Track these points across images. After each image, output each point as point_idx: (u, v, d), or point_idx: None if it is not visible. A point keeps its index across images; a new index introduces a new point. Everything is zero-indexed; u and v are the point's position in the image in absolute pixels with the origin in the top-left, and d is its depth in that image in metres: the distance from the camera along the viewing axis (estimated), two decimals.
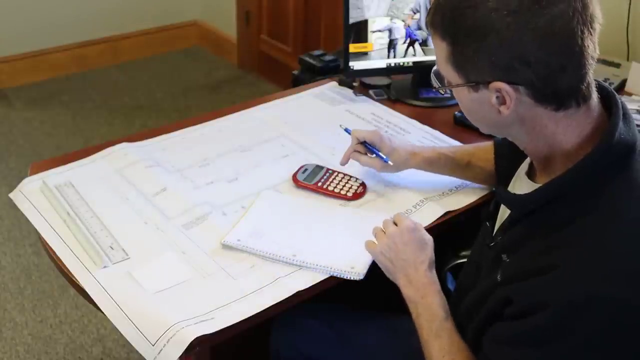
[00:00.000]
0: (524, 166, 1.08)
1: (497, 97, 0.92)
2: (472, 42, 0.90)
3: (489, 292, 0.98)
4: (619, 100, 0.96)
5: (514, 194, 1.03)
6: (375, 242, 1.20)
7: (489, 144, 1.36)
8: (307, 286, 1.18)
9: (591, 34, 0.89)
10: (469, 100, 0.97)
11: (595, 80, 0.94)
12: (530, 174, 1.05)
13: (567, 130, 0.93)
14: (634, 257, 0.86)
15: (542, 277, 0.88)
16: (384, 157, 1.39)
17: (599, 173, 0.91)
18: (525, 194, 0.98)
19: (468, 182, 1.43)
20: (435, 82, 1.05)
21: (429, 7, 1.74)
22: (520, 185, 1.06)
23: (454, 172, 1.41)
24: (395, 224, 1.20)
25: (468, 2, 0.89)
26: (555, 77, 0.89)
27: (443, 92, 1.05)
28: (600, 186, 0.90)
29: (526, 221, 0.98)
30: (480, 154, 1.38)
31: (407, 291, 1.13)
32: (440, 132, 1.67)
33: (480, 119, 1.01)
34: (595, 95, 0.94)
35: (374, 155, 1.40)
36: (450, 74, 0.97)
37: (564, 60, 0.88)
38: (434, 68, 1.04)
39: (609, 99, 0.96)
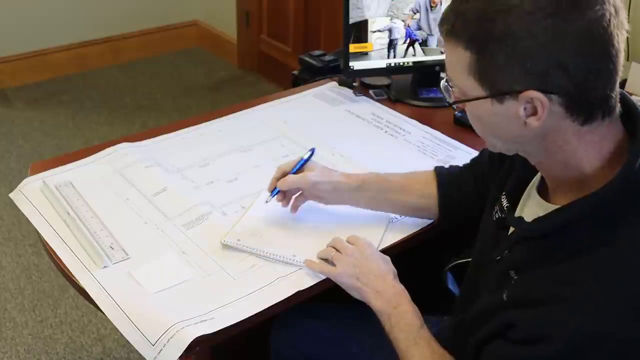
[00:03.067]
0: (536, 181, 1.03)
1: (525, 109, 0.87)
2: (504, 48, 0.84)
3: (494, 311, 0.95)
4: None
5: (525, 221, 0.98)
6: (331, 265, 1.19)
7: (429, 170, 1.34)
8: (307, 286, 1.18)
9: (621, 39, 0.86)
10: (490, 114, 0.91)
11: (620, 91, 0.90)
12: (541, 191, 1.01)
13: (587, 146, 0.89)
14: None
15: (548, 309, 0.86)
16: (311, 149, 1.33)
17: (615, 206, 0.86)
18: (537, 223, 0.94)
19: None
20: (448, 96, 0.98)
21: (429, 8, 1.76)
22: (533, 203, 1.02)
23: (389, 195, 1.31)
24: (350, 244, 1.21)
25: (498, 6, 0.84)
26: (592, 84, 0.85)
27: (456, 108, 0.99)
28: (618, 218, 0.86)
29: (536, 242, 0.94)
30: (418, 177, 1.34)
31: (378, 304, 1.12)
32: (440, 132, 1.67)
33: (499, 133, 0.94)
34: (618, 109, 0.90)
35: (298, 167, 1.30)
36: (469, 86, 0.90)
37: (601, 65, 0.85)
38: (443, 82, 0.98)
39: (632, 117, 0.91)
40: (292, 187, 1.28)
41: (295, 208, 1.31)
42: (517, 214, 1.03)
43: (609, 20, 0.84)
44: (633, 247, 0.85)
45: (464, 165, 1.34)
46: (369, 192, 1.30)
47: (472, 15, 0.86)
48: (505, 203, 1.06)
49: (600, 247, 0.86)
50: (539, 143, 0.91)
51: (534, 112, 0.87)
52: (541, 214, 0.94)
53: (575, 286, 0.85)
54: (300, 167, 1.30)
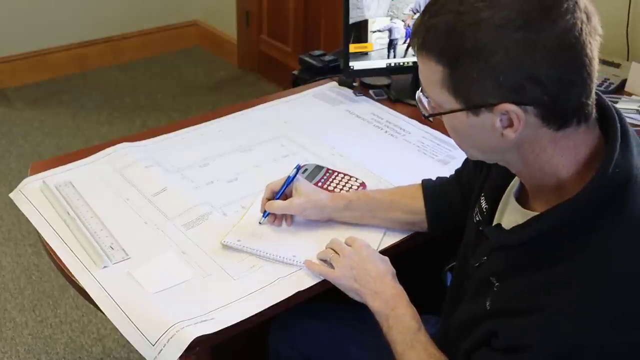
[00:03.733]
0: (514, 187, 1.03)
1: (500, 120, 0.86)
2: (476, 62, 0.83)
3: (478, 319, 0.95)
4: (618, 124, 0.89)
5: (503, 230, 0.98)
6: (329, 267, 1.19)
7: (415, 184, 1.34)
8: (307, 286, 1.18)
9: (595, 46, 0.85)
10: (466, 127, 0.90)
11: (596, 93, 0.89)
12: (519, 197, 1.00)
13: (563, 152, 0.89)
14: (624, 302, 0.83)
15: (528, 318, 0.86)
16: (298, 165, 1.34)
17: (591, 210, 0.86)
18: (516, 233, 0.93)
19: None
20: (423, 110, 0.96)
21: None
22: (511, 210, 1.01)
23: (377, 213, 1.31)
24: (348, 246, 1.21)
25: (468, 19, 0.82)
26: (566, 94, 0.84)
27: (432, 120, 0.97)
28: (592, 224, 0.86)
29: (515, 250, 0.94)
30: (405, 192, 1.34)
31: (376, 305, 1.12)
32: (440, 132, 1.67)
33: (476, 144, 0.94)
34: (594, 114, 0.90)
35: (285, 186, 1.31)
36: (444, 99, 0.89)
37: (575, 75, 0.84)
38: (418, 93, 0.96)
39: (608, 120, 0.91)
40: (280, 212, 1.30)
41: (289, 223, 1.32)
42: (495, 220, 1.03)
43: (581, 28, 0.82)
44: (608, 252, 0.85)
45: (451, 176, 1.34)
46: (357, 211, 1.31)
47: (442, 29, 0.85)
48: (484, 205, 1.06)
49: (577, 255, 0.85)
50: (516, 152, 0.91)
51: (510, 124, 0.86)
52: (520, 221, 0.94)
53: (554, 295, 0.85)
54: (287, 185, 1.31)
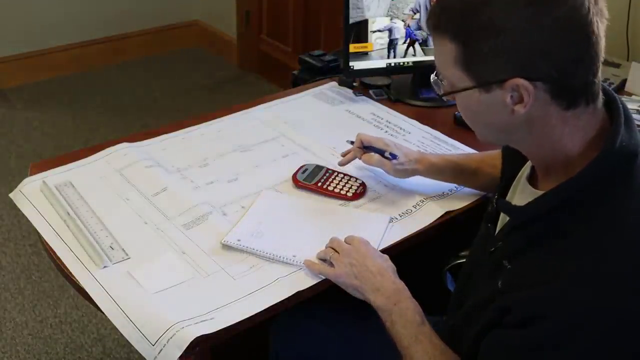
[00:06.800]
0: (525, 170, 1.06)
1: (511, 96, 0.90)
2: (489, 38, 0.87)
3: (489, 299, 0.96)
4: (621, 106, 0.94)
5: (514, 205, 1.01)
6: (329, 266, 1.19)
7: (497, 151, 1.34)
8: (307, 286, 1.18)
9: (601, 26, 0.89)
10: (477, 104, 0.94)
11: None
12: (532, 179, 1.04)
13: (573, 131, 0.92)
14: (634, 269, 0.85)
15: (541, 288, 0.87)
16: (394, 154, 1.38)
17: (600, 183, 0.89)
18: (525, 206, 0.96)
19: None
20: (438, 90, 1.01)
21: (429, 8, 1.76)
22: (522, 191, 1.05)
23: (461, 179, 1.40)
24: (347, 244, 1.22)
25: None
26: (574, 70, 0.88)
27: (447, 99, 1.03)
28: (601, 196, 0.89)
29: (527, 228, 0.96)
30: (488, 160, 1.37)
31: (378, 301, 1.12)
32: (441, 132, 1.67)
33: (487, 122, 0.97)
34: (601, 96, 0.93)
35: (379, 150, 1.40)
36: (457, 77, 0.94)
37: (582, 51, 0.87)
38: (433, 76, 1.01)
39: (611, 103, 0.95)
40: (375, 166, 1.41)
41: (348, 161, 1.46)
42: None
43: (589, 7, 0.86)
44: (617, 223, 0.88)
45: None
46: (443, 175, 1.40)
47: (457, 7, 0.90)
48: (496, 197, 1.10)
49: (586, 226, 0.88)
50: (526, 131, 0.94)
51: (520, 100, 0.90)
52: (530, 200, 0.96)
53: (566, 265, 0.87)
54: (378, 151, 1.40)
